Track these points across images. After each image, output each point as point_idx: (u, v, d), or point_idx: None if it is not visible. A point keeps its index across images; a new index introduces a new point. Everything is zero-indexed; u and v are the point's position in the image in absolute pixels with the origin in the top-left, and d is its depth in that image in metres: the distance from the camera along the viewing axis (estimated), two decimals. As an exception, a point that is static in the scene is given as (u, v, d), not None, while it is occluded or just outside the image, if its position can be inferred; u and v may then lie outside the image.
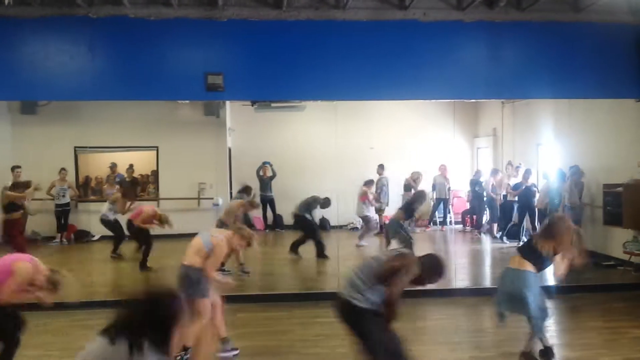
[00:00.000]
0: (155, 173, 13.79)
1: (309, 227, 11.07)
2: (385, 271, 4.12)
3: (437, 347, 5.73)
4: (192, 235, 13.21)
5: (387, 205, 13.55)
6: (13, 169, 11.26)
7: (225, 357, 5.63)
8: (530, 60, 7.72)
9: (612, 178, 9.51)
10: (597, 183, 9.89)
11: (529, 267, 5.05)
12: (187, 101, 11.98)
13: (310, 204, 11.27)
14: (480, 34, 7.64)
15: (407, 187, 13.91)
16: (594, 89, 7.92)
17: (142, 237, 9.97)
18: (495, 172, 13.23)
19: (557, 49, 7.71)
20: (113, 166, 13.84)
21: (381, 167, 13.69)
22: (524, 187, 11.71)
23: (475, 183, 13.61)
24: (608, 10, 7.44)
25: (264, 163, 13.86)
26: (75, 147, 13.37)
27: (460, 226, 14.71)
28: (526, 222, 12.17)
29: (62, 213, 12.44)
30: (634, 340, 5.83)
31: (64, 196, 12.47)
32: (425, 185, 14.40)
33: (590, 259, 9.43)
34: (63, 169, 12.63)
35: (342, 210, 13.93)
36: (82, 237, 12.76)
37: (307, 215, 11.11)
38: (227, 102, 13.29)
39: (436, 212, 14.52)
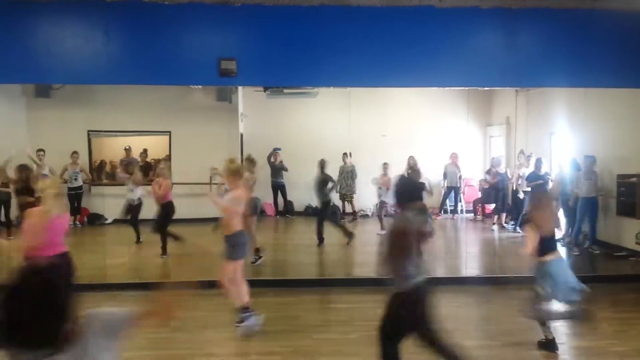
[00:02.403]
0: (168, 157, 13.87)
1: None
2: None
3: (444, 334, 5.73)
4: (204, 220, 13.31)
5: (355, 192, 13.51)
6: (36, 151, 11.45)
7: (247, 325, 5.76)
8: (547, 48, 7.63)
9: (626, 168, 9.43)
10: (610, 173, 9.82)
11: None
12: (200, 86, 12.01)
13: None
14: (497, 20, 7.55)
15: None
16: (611, 78, 7.82)
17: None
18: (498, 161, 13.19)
19: (574, 37, 7.61)
20: (128, 149, 13.93)
21: (346, 155, 13.58)
22: (542, 178, 11.61)
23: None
24: (626, -3, 7.33)
25: (275, 149, 13.88)
26: (88, 130, 13.48)
27: (471, 215, 14.67)
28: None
29: (75, 197, 12.57)
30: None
31: (76, 179, 12.59)
32: (436, 173, 14.42)
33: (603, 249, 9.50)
34: (75, 152, 12.74)
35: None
36: (95, 220, 12.91)
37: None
38: (240, 88, 13.33)
39: (447, 201, 14.50)
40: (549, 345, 5.35)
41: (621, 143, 9.79)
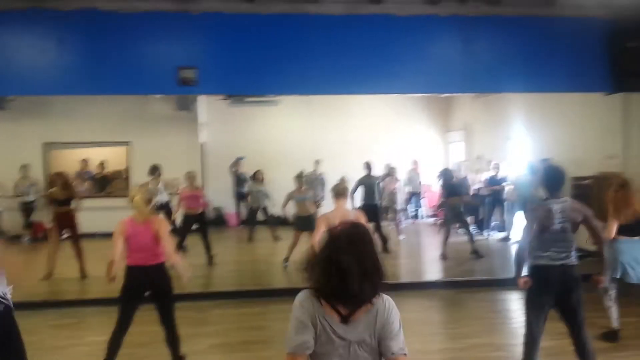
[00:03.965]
0: (126, 169, 13.61)
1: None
2: None
3: (409, 340, 5.77)
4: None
5: (323, 199, 13.46)
6: None
7: None
8: (503, 54, 7.82)
9: (580, 171, 9.70)
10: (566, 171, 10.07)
11: None
12: (160, 96, 11.83)
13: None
14: (455, 28, 7.71)
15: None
16: (565, 83, 8.06)
17: None
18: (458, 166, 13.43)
19: (529, 43, 7.81)
20: (84, 162, 13.61)
21: (317, 163, 13.72)
22: (500, 182, 11.88)
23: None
24: (578, 4, 7.56)
25: (238, 158, 13.77)
26: (43, 142, 13.12)
27: (433, 219, 14.86)
28: (496, 215, 12.41)
29: (27, 211, 12.19)
30: (603, 330, 5.94)
31: (28, 194, 12.21)
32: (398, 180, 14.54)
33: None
34: (24, 165, 12.36)
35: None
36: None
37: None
38: (201, 97, 13.20)
39: (409, 206, 14.66)
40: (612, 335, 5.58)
41: (575, 146, 10.08)
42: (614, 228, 5.47)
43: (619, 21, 7.78)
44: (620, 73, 7.85)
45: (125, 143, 13.38)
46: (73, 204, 8.80)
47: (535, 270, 4.51)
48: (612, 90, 8.11)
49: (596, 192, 9.03)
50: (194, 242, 9.84)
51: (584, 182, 9.42)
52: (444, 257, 9.68)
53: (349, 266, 2.07)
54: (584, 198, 9.26)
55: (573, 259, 4.46)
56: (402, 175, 14.43)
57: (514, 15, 7.69)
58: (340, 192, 5.83)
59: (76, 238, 8.78)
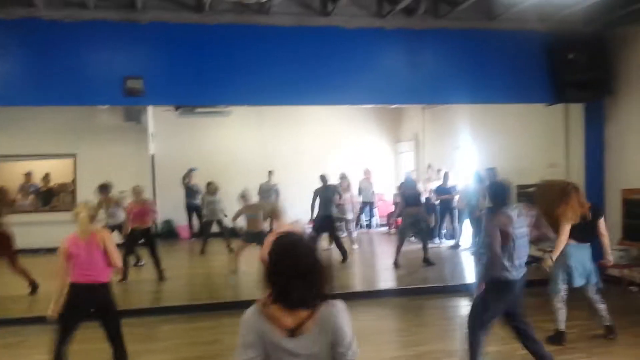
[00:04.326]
0: (73, 182, 13.22)
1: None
2: None
3: (362, 349, 5.79)
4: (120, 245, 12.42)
5: None
6: None
7: None
8: (448, 66, 8.02)
9: (525, 179, 10.00)
10: (511, 184, 10.37)
11: None
12: (106, 106, 11.57)
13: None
14: (401, 41, 7.87)
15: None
16: (507, 94, 8.32)
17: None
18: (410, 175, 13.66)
19: (473, 56, 8.04)
20: (28, 175, 13.14)
21: (270, 173, 13.79)
22: (450, 191, 12.13)
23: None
24: (519, 18, 7.83)
25: (191, 169, 13.57)
26: (-16, 155, 12.64)
27: (385, 228, 15.03)
28: (446, 223, 12.65)
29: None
30: (548, 334, 6.10)
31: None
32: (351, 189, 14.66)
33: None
34: None
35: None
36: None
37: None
38: (149, 108, 12.97)
39: (362, 216, 14.80)
40: (558, 337, 5.72)
41: (519, 155, 10.41)
42: (567, 231, 5.58)
43: (558, 34, 8.11)
44: (560, 84, 8.16)
45: (72, 155, 13.00)
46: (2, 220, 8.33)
47: (502, 284, 4.63)
48: (554, 101, 8.42)
49: (539, 199, 9.34)
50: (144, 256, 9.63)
51: (528, 189, 9.71)
52: (396, 265, 9.78)
53: (287, 270, 2.13)
54: (529, 206, 9.61)
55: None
56: (354, 185, 14.59)
57: (458, 28, 7.90)
58: (274, 212, 5.85)
59: (10, 256, 8.35)
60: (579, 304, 7.56)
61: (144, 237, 9.47)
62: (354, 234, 12.54)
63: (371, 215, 14.97)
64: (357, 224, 14.84)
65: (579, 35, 8.06)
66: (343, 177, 12.97)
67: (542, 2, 7.31)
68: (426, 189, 13.09)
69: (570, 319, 6.54)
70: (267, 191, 13.69)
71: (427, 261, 9.91)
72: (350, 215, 12.62)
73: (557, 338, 5.77)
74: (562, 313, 5.81)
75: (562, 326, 5.79)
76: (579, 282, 5.74)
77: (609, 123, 8.44)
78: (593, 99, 8.28)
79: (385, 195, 15.70)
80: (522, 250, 4.61)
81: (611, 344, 5.73)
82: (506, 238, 4.53)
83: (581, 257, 5.75)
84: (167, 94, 7.53)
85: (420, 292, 8.17)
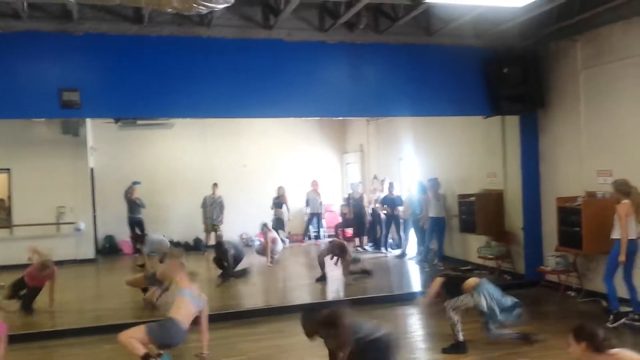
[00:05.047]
0: (8, 198, 12.64)
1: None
2: None
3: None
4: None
5: (222, 222, 13.66)
6: None
7: None
8: (389, 80, 8.15)
9: (465, 189, 10.28)
10: (452, 193, 10.65)
11: None
12: (42, 119, 11.15)
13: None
14: (343, 54, 7.94)
15: (279, 204, 14.13)
16: (447, 108, 8.54)
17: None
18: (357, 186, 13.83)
19: (413, 70, 8.20)
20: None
21: (215, 186, 13.75)
22: (395, 201, 12.30)
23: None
24: (456, 34, 8.04)
25: (134, 183, 13.22)
26: None
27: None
28: (392, 232, 12.82)
29: None
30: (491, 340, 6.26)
31: None
32: (298, 201, 14.73)
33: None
34: None
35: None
36: None
37: None
38: (88, 120, 12.60)
39: (310, 227, 14.81)
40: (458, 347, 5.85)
41: (460, 166, 10.69)
42: None
43: (493, 49, 8.39)
44: (496, 97, 8.44)
45: (5, 170, 12.44)
46: None
47: None
48: (491, 113, 8.70)
49: (479, 208, 9.62)
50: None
51: (468, 199, 9.97)
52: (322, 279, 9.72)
53: None
54: (470, 214, 9.87)
55: None
56: (302, 196, 14.63)
57: (398, 43, 8.04)
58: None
59: None
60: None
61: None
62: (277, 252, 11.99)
63: (319, 227, 14.99)
64: (304, 235, 14.88)
65: (513, 50, 8.37)
66: (280, 189, 13.15)
67: (478, 18, 7.56)
68: (372, 200, 13.26)
69: (512, 325, 6.73)
70: (212, 204, 13.62)
71: (365, 272, 9.92)
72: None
73: (459, 347, 5.90)
74: (459, 324, 5.97)
75: (460, 337, 5.94)
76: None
77: (543, 134, 8.78)
78: (527, 111, 8.59)
79: (333, 206, 15.77)
80: None
81: (549, 348, 5.90)
82: None
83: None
84: (105, 106, 7.33)
85: (367, 302, 8.17)
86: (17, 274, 8.59)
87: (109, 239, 14.08)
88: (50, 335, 6.87)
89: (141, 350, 4.84)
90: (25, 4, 6.44)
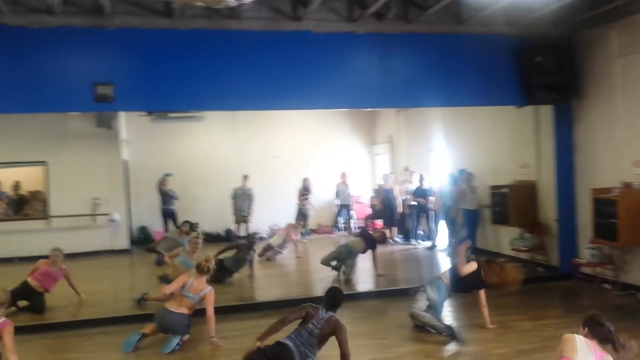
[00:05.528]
0: (44, 190, 12.97)
1: None
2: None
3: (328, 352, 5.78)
4: (87, 254, 12.58)
5: (251, 214, 13.82)
6: None
7: None
8: (419, 70, 8.07)
9: (497, 180, 10.12)
10: (484, 185, 10.50)
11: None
12: (77, 113, 11.39)
13: None
14: (372, 45, 7.88)
15: (304, 195, 14.20)
16: (478, 97, 8.40)
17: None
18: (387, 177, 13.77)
19: (444, 59, 8.11)
20: (-2, 185, 12.88)
21: (245, 178, 13.84)
22: (427, 193, 12.20)
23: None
24: (488, 22, 7.91)
25: (166, 175, 13.46)
26: (-46, 163, 12.37)
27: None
28: (422, 224, 12.74)
29: None
30: (523, 333, 6.17)
31: None
32: (328, 192, 14.77)
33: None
34: None
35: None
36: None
37: None
38: (121, 114, 12.83)
39: (339, 218, 14.82)
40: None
41: (491, 157, 10.53)
42: None
43: (526, 37, 8.22)
44: (529, 87, 8.28)
45: (42, 163, 12.77)
46: None
47: None
48: (523, 103, 8.55)
49: (512, 200, 9.47)
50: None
51: (501, 190, 9.83)
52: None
53: None
54: (503, 205, 9.73)
55: None
56: (331, 188, 14.66)
57: (428, 32, 7.95)
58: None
59: None
60: (552, 302, 7.72)
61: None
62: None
63: (348, 218, 14.99)
64: (334, 227, 14.91)
65: (547, 38, 8.19)
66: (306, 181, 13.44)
67: (510, 6, 7.41)
68: (402, 191, 13.18)
69: (546, 317, 6.66)
70: (242, 195, 13.71)
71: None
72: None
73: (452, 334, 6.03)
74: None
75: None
76: None
77: (578, 124, 8.59)
78: (561, 100, 8.42)
79: (362, 198, 15.74)
80: None
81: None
82: None
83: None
84: (138, 99, 7.45)
85: (396, 294, 8.15)
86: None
87: (143, 229, 14.32)
88: (87, 323, 7.04)
89: None
90: (58, 0, 6.58)
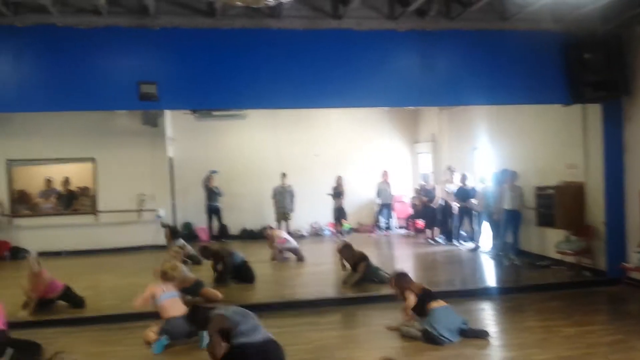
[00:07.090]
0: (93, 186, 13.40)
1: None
2: None
3: (368, 352, 5.74)
4: (133, 248, 12.88)
5: (292, 211, 13.97)
6: None
7: None
8: (461, 67, 7.90)
9: (543, 180, 9.85)
10: (528, 185, 10.23)
11: None
12: (124, 111, 11.71)
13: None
14: (413, 42, 7.77)
15: (337, 194, 14.20)
16: (524, 95, 8.17)
17: None
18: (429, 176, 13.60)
19: (487, 57, 7.92)
20: (49, 181, 13.37)
21: (284, 176, 13.94)
22: (470, 193, 11.99)
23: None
24: (533, 18, 7.70)
25: (211, 172, 13.71)
26: (7, 159, 12.90)
27: (404, 231, 14.92)
28: (466, 225, 12.51)
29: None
30: (566, 339, 5.98)
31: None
32: (369, 191, 14.73)
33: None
34: None
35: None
36: (18, 253, 12.22)
37: None
38: (167, 112, 13.12)
39: (380, 217, 14.74)
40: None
41: (536, 157, 10.25)
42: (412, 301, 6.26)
43: (573, 34, 7.96)
44: (577, 84, 8.02)
45: (90, 159, 13.19)
46: None
47: None
48: (571, 101, 8.26)
49: (559, 201, 9.21)
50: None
51: (546, 191, 9.56)
52: None
53: None
54: (548, 207, 9.47)
55: None
56: (372, 187, 14.61)
57: (471, 29, 7.79)
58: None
59: None
60: (598, 308, 7.45)
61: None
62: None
63: (389, 217, 14.89)
64: (375, 226, 14.83)
65: (595, 34, 7.90)
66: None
67: (556, 2, 7.18)
68: (444, 191, 12.99)
69: (591, 323, 6.45)
70: (282, 193, 13.82)
71: None
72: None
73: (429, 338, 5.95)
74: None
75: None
76: (450, 340, 5.96)
77: (628, 123, 8.26)
78: (610, 98, 8.11)
79: (404, 197, 15.60)
80: None
81: (630, 349, 5.59)
82: None
83: (448, 318, 6.08)
84: (181, 98, 7.57)
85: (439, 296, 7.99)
86: (102, 258, 8.90)
87: (187, 225, 14.60)
88: (131, 317, 7.17)
89: None
90: (104, 0, 6.75)
